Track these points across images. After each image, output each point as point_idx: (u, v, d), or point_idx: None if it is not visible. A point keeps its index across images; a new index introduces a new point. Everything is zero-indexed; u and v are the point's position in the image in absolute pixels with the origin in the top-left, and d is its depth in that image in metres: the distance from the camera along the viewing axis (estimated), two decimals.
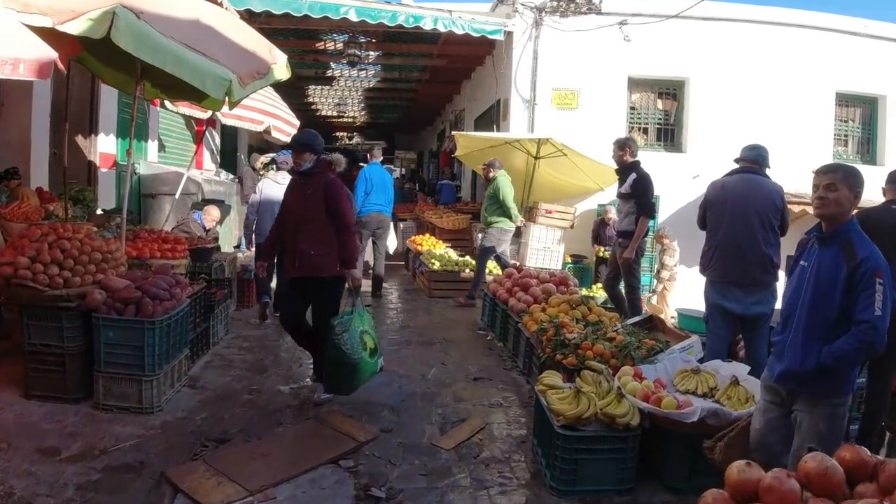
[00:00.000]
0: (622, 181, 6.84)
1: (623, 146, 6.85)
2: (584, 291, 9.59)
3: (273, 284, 7.12)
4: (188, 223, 7.55)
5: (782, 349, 3.11)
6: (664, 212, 11.27)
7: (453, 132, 10.60)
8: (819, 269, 3.01)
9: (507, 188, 8.42)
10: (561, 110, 11.19)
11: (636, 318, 5.45)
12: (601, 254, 10.39)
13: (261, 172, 11.23)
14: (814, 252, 3.09)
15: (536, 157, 10.44)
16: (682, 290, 10.93)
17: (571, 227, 10.58)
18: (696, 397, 4.22)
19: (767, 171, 5.30)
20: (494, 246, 8.54)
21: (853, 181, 3.04)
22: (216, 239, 7.89)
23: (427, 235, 10.92)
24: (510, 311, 6.31)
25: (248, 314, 7.26)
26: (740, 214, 5.04)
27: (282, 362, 5.72)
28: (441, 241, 10.80)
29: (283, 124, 8.01)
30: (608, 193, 11.28)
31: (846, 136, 12.06)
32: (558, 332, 4.88)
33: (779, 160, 11.57)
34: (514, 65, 11.14)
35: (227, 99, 4.92)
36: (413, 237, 11.05)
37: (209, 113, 7.74)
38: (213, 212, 7.78)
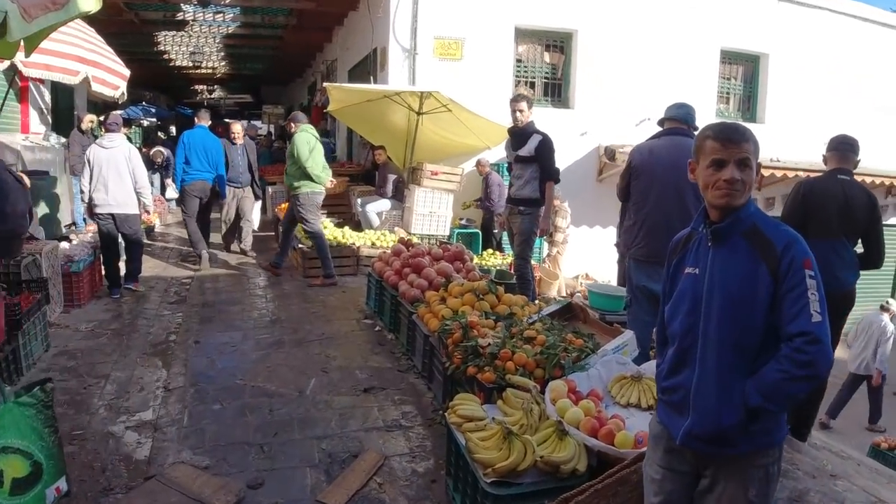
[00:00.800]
0: (520, 143, 5.95)
1: (527, 104, 5.94)
2: (476, 260, 8.80)
3: None
4: None
5: (683, 398, 2.05)
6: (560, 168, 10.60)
7: (325, 84, 9.22)
8: (723, 277, 2.01)
9: (302, 146, 7.06)
10: (444, 61, 10.10)
11: (553, 308, 4.62)
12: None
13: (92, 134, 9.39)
14: (704, 253, 2.14)
15: (419, 113, 9.33)
16: (573, 253, 10.45)
17: (459, 189, 9.65)
18: (640, 411, 3.46)
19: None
20: (313, 217, 7.26)
21: (757, 148, 2.06)
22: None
23: None
24: (401, 298, 5.30)
25: (78, 317, 5.73)
26: (671, 184, 4.32)
27: (115, 385, 4.38)
28: None
29: (108, 74, 6.32)
30: (496, 152, 10.48)
31: (728, 93, 11.92)
32: (467, 335, 3.93)
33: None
34: (392, 9, 9.86)
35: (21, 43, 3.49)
36: (283, 204, 9.66)
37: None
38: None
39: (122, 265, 6.68)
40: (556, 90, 10.98)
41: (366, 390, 4.40)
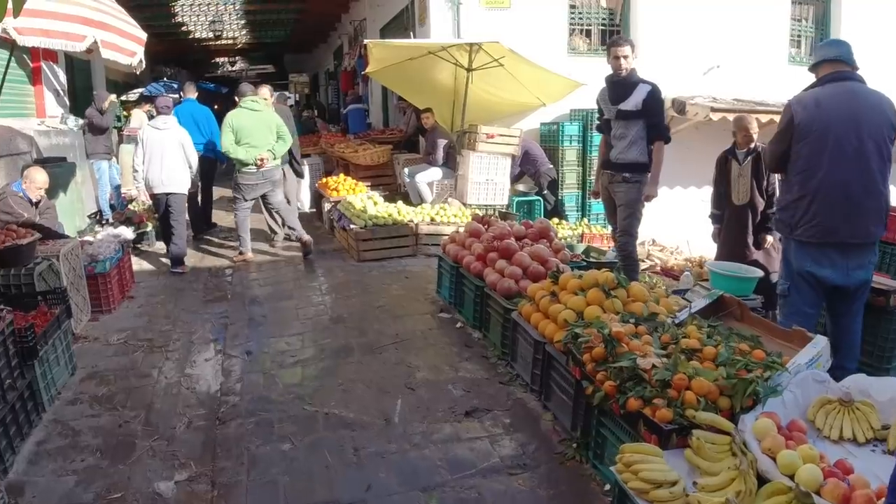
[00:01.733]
0: (623, 95, 4.85)
1: (631, 48, 4.83)
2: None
3: None
4: (7, 200, 4.93)
5: None
6: None
7: (366, 40, 8.09)
8: None
9: (224, 129, 6.59)
10: (491, 10, 8.90)
11: (702, 302, 3.59)
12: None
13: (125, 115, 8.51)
14: None
15: (469, 70, 8.18)
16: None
17: (518, 153, 8.54)
18: (858, 447, 2.52)
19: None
20: (238, 200, 6.74)
21: None
22: (51, 216, 5.30)
23: (341, 176, 8.55)
24: (491, 290, 4.31)
25: (108, 325, 4.83)
26: (851, 144, 3.34)
27: (158, 419, 3.47)
28: (360, 182, 8.49)
29: (120, 38, 5.25)
30: (551, 110, 9.33)
31: (800, 36, 10.54)
32: (614, 351, 2.92)
33: (734, 62, 10.06)
34: None
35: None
36: (323, 179, 8.65)
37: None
38: (37, 176, 5.12)
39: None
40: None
41: (467, 413, 3.43)
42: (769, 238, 5.56)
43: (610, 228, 5.42)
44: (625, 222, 4.94)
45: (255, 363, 4.16)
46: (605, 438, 2.90)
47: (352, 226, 6.55)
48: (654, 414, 2.57)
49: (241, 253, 6.78)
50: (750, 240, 5.57)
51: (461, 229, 6.63)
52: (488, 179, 8.40)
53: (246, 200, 6.67)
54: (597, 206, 9.35)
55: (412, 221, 6.71)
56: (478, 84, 8.45)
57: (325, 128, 13.75)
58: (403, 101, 10.10)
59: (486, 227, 5.20)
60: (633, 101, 4.76)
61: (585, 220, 9.04)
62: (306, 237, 6.77)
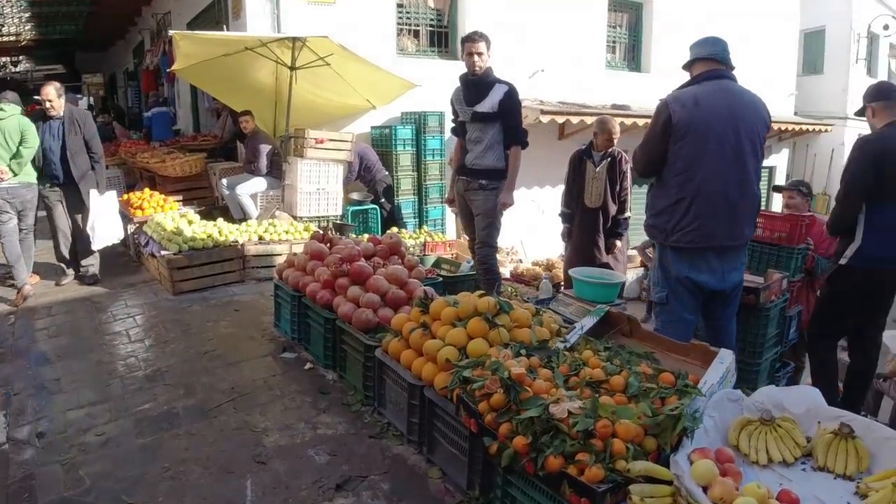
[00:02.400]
0: (478, 96, 4.40)
1: (486, 45, 4.39)
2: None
3: None
4: None
5: None
6: (448, 131, 9.11)
7: (171, 31, 6.89)
8: None
9: None
10: (314, 5, 8.14)
11: (591, 320, 3.20)
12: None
13: None
14: None
15: (293, 68, 7.34)
16: None
17: (351, 158, 7.86)
18: (788, 468, 2.34)
19: None
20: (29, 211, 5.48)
21: None
22: None
23: (146, 190, 7.24)
24: (348, 325, 3.62)
25: None
26: (730, 143, 3.20)
27: None
28: (169, 197, 7.26)
29: None
30: (382, 114, 8.79)
31: (615, 42, 11.03)
32: (516, 398, 2.39)
33: (557, 66, 10.23)
34: None
35: None
36: (124, 195, 7.28)
37: None
38: None
39: None
40: (443, 40, 9.43)
41: (339, 487, 2.73)
42: (618, 243, 5.51)
43: (465, 238, 4.97)
44: (483, 232, 4.51)
45: (51, 449, 3.06)
46: (514, 499, 2.38)
47: (163, 252, 5.43)
48: (582, 473, 2.09)
49: (18, 291, 5.33)
50: (600, 243, 5.46)
51: (298, 250, 5.84)
52: (319, 189, 7.65)
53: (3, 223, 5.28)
54: (433, 211, 8.99)
55: (237, 242, 5.75)
56: (302, 84, 7.63)
57: (124, 134, 11.94)
58: (218, 102, 8.94)
59: (328, 245, 4.48)
60: (490, 103, 4.34)
61: (424, 227, 8.62)
62: (27, 288, 5.33)
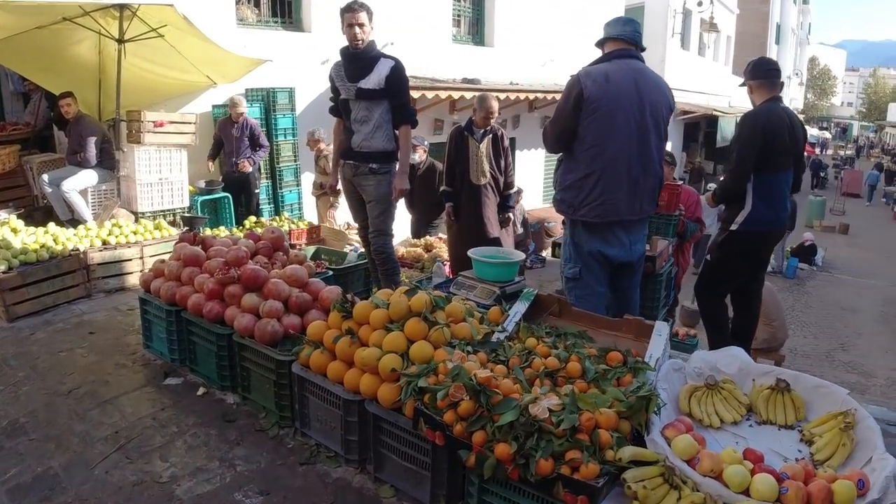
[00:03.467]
0: (362, 71, 3.98)
1: (367, 15, 3.96)
2: (236, 231, 6.51)
3: None
4: None
5: None
6: (300, 106, 8.52)
7: None
8: None
9: None
10: None
11: (522, 306, 3.02)
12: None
13: None
14: None
15: (121, 41, 6.31)
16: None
17: (195, 143, 7.01)
18: (736, 426, 2.49)
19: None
20: None
21: None
22: None
23: None
24: (250, 340, 3.13)
25: None
26: (636, 121, 3.26)
27: None
28: None
29: None
30: (223, 91, 7.96)
31: (460, 16, 10.91)
32: (488, 402, 2.16)
33: (402, 41, 9.91)
34: None
35: None
36: None
37: None
38: None
39: None
40: (286, 8, 8.71)
41: None
42: (511, 216, 5.47)
43: (357, 227, 4.58)
44: (378, 220, 4.15)
45: None
46: None
47: None
48: (574, 471, 1.95)
49: None
50: (491, 218, 5.37)
51: (151, 252, 5.11)
52: (162, 179, 6.77)
53: None
54: (289, 195, 8.41)
55: (77, 250, 4.83)
56: (132, 60, 6.62)
57: None
58: (28, 84, 7.53)
59: (204, 247, 3.88)
60: (376, 79, 3.94)
61: (284, 214, 8.02)
62: None
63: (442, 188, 5.58)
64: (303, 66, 8.58)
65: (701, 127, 19.10)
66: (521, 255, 4.40)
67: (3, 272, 4.36)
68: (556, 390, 2.33)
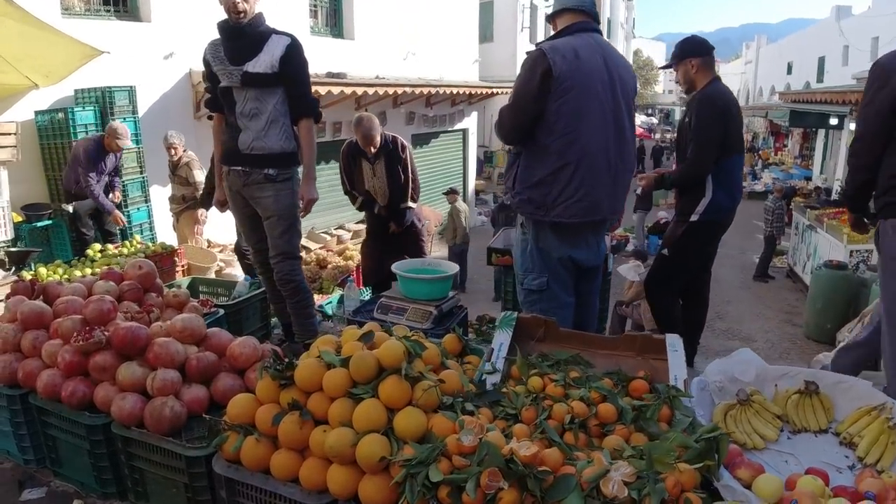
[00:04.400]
0: (249, 51, 3.07)
1: None
2: (81, 267, 5.19)
3: None
4: None
5: None
6: (143, 107, 7.14)
7: None
8: None
9: None
10: None
11: (505, 335, 2.33)
12: None
13: None
14: None
15: None
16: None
17: (17, 158, 5.50)
18: (777, 444, 2.20)
19: None
20: None
21: None
22: None
23: None
24: (139, 432, 2.17)
25: None
26: (608, 104, 2.77)
27: None
28: None
29: None
30: (47, 94, 6.48)
31: (317, 7, 9.92)
32: (540, 487, 1.49)
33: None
34: None
35: None
36: None
37: None
38: None
39: None
40: None
41: None
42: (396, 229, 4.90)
43: (250, 249, 3.62)
44: (281, 241, 3.23)
45: None
46: None
47: None
48: None
49: None
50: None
51: None
52: None
53: None
54: (137, 214, 7.03)
55: None
56: None
57: None
58: None
59: (44, 296, 2.78)
60: (267, 60, 3.04)
61: (136, 236, 6.67)
62: None
63: (358, 202, 4.83)
64: (143, 60, 7.23)
65: None
66: (453, 267, 3.76)
67: None
68: (596, 445, 1.73)
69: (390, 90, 10.06)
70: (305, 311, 3.40)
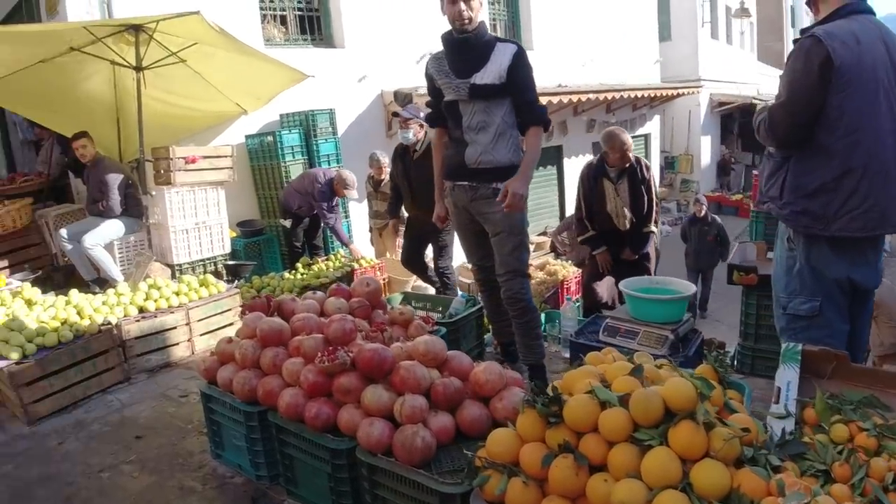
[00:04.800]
0: (475, 63, 2.89)
1: None
2: (292, 278, 5.44)
3: None
4: None
5: None
6: (341, 127, 7.47)
7: None
8: None
9: None
10: None
11: (792, 374, 1.93)
12: None
13: None
14: None
15: (139, 69, 5.32)
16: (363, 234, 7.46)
17: (233, 179, 5.98)
18: None
19: None
20: None
21: None
22: None
23: None
24: (387, 460, 2.04)
25: None
26: (893, 96, 2.27)
27: None
28: None
29: None
30: (255, 119, 6.98)
31: (494, 19, 9.96)
32: None
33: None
34: None
35: None
36: None
37: None
38: None
39: None
40: (315, 25, 7.73)
41: None
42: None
43: (471, 266, 3.48)
44: (510, 257, 3.03)
45: None
46: None
47: (1, 362, 3.33)
48: None
49: None
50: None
51: (199, 316, 4.12)
52: (199, 223, 5.73)
53: None
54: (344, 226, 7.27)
55: (109, 323, 3.76)
56: (150, 92, 5.64)
57: None
58: (39, 129, 6.58)
59: (274, 313, 2.80)
60: (495, 71, 2.86)
61: (339, 251, 6.92)
62: None
63: (582, 236, 4.68)
64: (339, 84, 7.58)
65: (735, 118, 17.95)
66: (689, 287, 3.34)
67: (17, 363, 3.29)
68: None
69: (573, 98, 9.73)
70: (533, 333, 3.16)
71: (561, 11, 10.59)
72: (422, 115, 4.54)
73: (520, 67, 2.90)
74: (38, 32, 4.86)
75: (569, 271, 6.41)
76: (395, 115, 4.86)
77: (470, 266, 3.48)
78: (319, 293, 3.01)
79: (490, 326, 3.68)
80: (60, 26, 4.92)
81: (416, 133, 4.62)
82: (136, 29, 5.06)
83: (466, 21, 2.86)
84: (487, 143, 2.95)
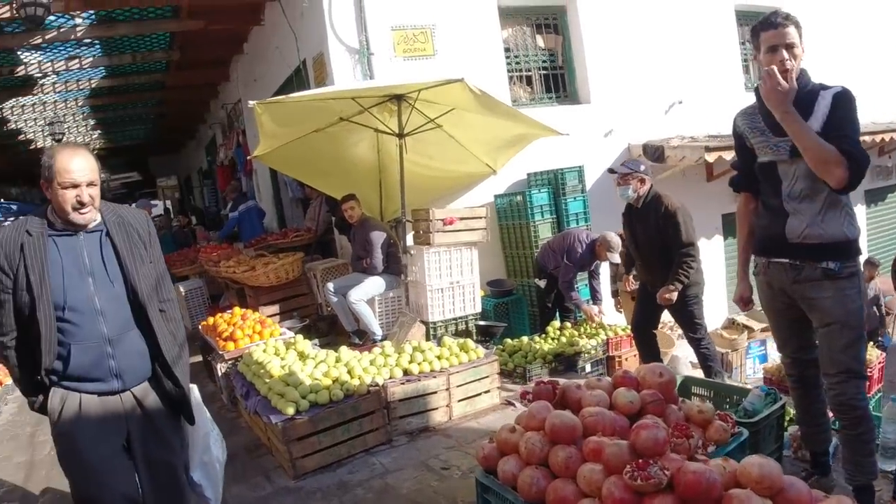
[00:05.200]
0: (801, 114, 2.36)
1: (798, 32, 2.47)
2: (542, 343, 5.12)
3: None
4: None
5: None
6: (588, 184, 7.14)
7: (253, 103, 5.26)
8: None
9: None
10: (411, 60, 6.53)
11: None
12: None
13: None
14: None
15: (401, 135, 5.58)
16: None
17: (486, 239, 5.97)
18: None
19: None
20: None
21: None
22: None
23: (236, 310, 5.39)
24: None
25: None
26: None
27: None
28: (266, 318, 5.40)
29: None
30: (502, 179, 6.93)
31: (747, 60, 9.01)
32: None
33: (693, 94, 8.20)
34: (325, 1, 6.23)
35: None
36: (209, 319, 5.49)
37: None
38: None
39: None
40: (559, 82, 7.61)
41: None
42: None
43: (779, 356, 2.87)
44: (845, 355, 2.38)
45: None
46: None
47: (273, 417, 3.49)
48: None
49: None
50: None
51: (459, 381, 3.98)
52: (453, 283, 5.73)
53: None
54: (583, 291, 6.84)
55: (376, 384, 3.80)
56: (410, 156, 5.87)
57: (204, 237, 10.38)
58: (307, 189, 7.31)
59: (557, 402, 2.47)
60: (818, 123, 2.32)
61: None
62: None
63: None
64: (586, 140, 7.31)
65: None
66: None
67: (291, 417, 3.41)
68: None
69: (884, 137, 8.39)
70: (867, 448, 2.46)
71: (829, 53, 9.23)
72: (642, 168, 4.27)
73: (838, 108, 2.34)
74: (318, 98, 5.30)
75: None
76: (612, 171, 4.42)
77: (780, 357, 2.85)
78: (606, 379, 2.63)
79: (798, 429, 2.99)
80: (331, 94, 5.33)
81: (637, 188, 4.25)
82: (398, 98, 5.31)
83: (789, 71, 2.36)
84: (815, 213, 2.40)
